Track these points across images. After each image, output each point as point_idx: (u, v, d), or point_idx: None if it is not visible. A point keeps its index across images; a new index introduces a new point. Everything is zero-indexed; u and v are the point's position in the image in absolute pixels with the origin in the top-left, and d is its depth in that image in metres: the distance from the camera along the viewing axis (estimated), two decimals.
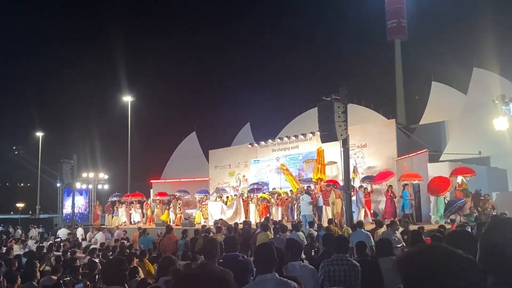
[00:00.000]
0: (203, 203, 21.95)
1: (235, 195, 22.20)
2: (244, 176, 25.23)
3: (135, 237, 15.57)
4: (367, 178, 18.67)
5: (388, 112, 25.86)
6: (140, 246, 13.22)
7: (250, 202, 20.42)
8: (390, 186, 17.03)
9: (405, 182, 16.27)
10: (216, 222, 15.45)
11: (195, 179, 26.70)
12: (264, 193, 20.94)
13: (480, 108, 18.91)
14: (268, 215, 18.64)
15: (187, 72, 57.14)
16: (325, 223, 13.63)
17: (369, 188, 17.89)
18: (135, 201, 24.09)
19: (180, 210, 22.58)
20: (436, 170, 16.46)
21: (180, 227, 18.65)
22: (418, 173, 16.34)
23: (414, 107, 34.94)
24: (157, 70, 52.78)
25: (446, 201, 14.73)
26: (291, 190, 20.32)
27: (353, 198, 16.08)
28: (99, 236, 17.16)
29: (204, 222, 19.52)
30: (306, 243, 10.18)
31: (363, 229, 10.02)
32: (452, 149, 19.51)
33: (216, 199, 22.50)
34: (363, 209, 16.64)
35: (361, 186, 17.69)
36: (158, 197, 23.84)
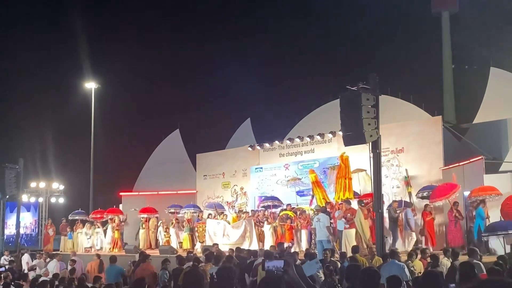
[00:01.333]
0: (199, 221, 21.87)
1: (246, 212, 21.79)
2: (242, 188, 25.24)
3: (93, 267, 15.55)
4: (426, 189, 17.92)
5: (432, 107, 25.85)
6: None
7: (265, 222, 19.89)
8: (456, 203, 16.26)
9: (480, 198, 15.75)
10: (205, 249, 15.43)
11: (178, 192, 26.72)
12: (286, 209, 20.35)
13: None
14: (292, 241, 18.48)
15: (170, 55, 57.07)
16: (348, 252, 13.62)
17: (429, 205, 17.08)
18: (110, 219, 23.90)
19: (168, 233, 22.81)
20: (495, 183, 16.41)
21: (158, 254, 18.67)
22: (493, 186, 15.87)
23: (466, 101, 34.95)
24: (130, 50, 52.59)
25: None
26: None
27: (400, 218, 15.91)
28: (52, 266, 17.21)
29: (201, 247, 19.31)
30: (323, 278, 10.20)
31: (396, 260, 10.04)
32: None
33: (208, 216, 22.48)
34: (413, 233, 16.23)
35: (410, 204, 17.42)
36: (144, 215, 24.01)
